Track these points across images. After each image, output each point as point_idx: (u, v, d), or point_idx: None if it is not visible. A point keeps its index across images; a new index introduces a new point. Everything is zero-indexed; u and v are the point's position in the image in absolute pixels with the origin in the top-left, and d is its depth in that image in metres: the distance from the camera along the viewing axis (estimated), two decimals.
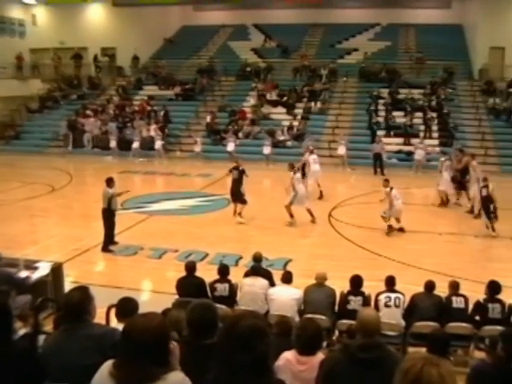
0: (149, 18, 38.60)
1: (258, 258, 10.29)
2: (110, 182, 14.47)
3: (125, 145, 30.08)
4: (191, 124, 32.56)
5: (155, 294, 11.63)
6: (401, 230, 16.39)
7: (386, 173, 25.42)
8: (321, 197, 20.25)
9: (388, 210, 16.00)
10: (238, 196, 17.38)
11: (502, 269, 13.01)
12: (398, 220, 16.37)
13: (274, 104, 32.84)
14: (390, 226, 16.10)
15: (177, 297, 9.02)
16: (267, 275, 9.77)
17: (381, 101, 31.54)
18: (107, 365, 3.16)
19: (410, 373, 2.40)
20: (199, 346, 4.04)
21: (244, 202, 17.24)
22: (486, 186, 16.18)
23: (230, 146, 28.65)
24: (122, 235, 15.11)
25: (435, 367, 2.38)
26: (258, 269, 9.76)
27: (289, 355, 5.25)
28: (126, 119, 32.27)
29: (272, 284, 9.58)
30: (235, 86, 36.01)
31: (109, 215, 14.30)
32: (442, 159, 20.15)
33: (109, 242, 14.37)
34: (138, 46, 38.22)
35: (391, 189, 16.04)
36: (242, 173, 17.57)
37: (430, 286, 9.03)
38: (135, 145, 29.64)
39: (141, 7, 38.18)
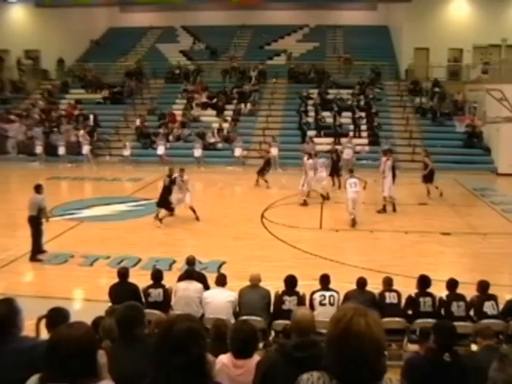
0: (74, 20, 37.70)
1: (191, 262, 10.20)
2: (38, 188, 14.10)
3: (51, 150, 29.32)
4: (120, 128, 32.05)
5: (88, 302, 11.37)
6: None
7: None
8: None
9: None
10: (163, 203, 17.18)
11: (431, 263, 13.37)
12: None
13: (204, 106, 32.70)
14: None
15: (110, 304, 8.84)
16: (201, 279, 9.69)
17: (310, 101, 31.90)
18: (33, 379, 3.06)
19: (341, 322, 2.56)
20: (132, 351, 4.00)
21: (169, 209, 17.07)
22: None
23: (161, 150, 28.40)
24: (51, 243, 14.72)
25: (363, 317, 2.55)
26: (191, 272, 9.66)
27: (224, 359, 5.19)
28: (53, 124, 31.47)
29: (206, 287, 9.51)
30: (164, 88, 35.71)
31: (37, 223, 13.92)
32: (384, 158, 19.87)
33: (37, 250, 13.96)
34: (64, 49, 37.29)
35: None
36: (172, 182, 17.33)
37: (361, 282, 9.16)
38: (61, 150, 28.99)
39: (65, 8, 37.20)
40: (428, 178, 20.99)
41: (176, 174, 17.59)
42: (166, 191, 17.21)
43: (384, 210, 18.82)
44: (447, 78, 34.62)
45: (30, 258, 13.87)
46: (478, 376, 3.26)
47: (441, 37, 33.46)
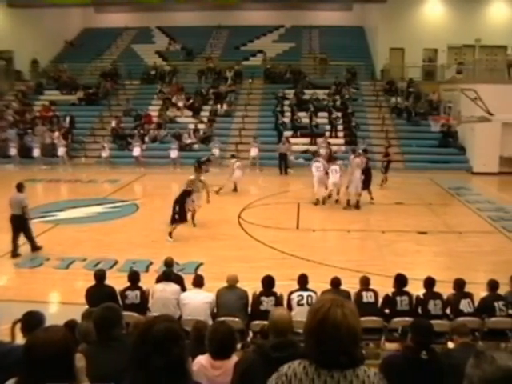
0: (48, 20, 37.36)
1: (169, 263, 10.19)
2: (20, 187, 14.14)
3: (26, 152, 29.02)
4: (96, 129, 31.80)
5: (64, 305, 11.25)
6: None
7: (295, 173, 25.84)
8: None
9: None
10: (181, 217, 15.93)
11: (408, 262, 13.45)
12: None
13: (177, 107, 32.56)
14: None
15: (87, 307, 8.77)
16: (178, 280, 9.66)
17: (286, 102, 31.94)
18: (10, 383, 3.03)
19: (319, 312, 2.70)
20: (110, 352, 3.99)
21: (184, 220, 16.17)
22: None
23: (137, 151, 28.22)
24: (27, 246, 14.53)
25: (340, 307, 2.69)
26: (169, 274, 9.62)
27: (203, 360, 5.19)
28: (27, 125, 31.15)
29: (183, 289, 9.48)
30: (140, 89, 35.49)
31: (22, 222, 13.91)
32: (352, 157, 20.29)
33: (14, 252, 13.99)
34: (38, 49, 36.85)
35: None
36: (187, 194, 16.30)
37: (335, 282, 9.19)
38: (36, 152, 28.72)
39: (39, 8, 36.72)
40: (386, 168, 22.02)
41: (192, 177, 16.96)
42: (182, 205, 16.08)
43: (348, 204, 19.36)
44: (422, 77, 34.98)
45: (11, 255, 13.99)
46: (455, 373, 3.27)
47: (416, 37, 33.76)
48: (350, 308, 2.73)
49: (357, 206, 19.27)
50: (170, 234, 15.59)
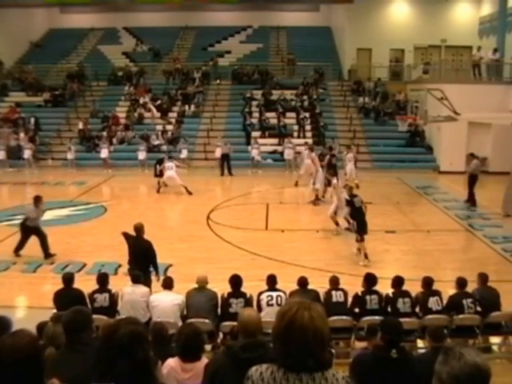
0: (12, 21, 36.74)
1: (138, 228, 10.29)
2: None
3: None
4: (62, 131, 31.45)
5: (32, 309, 11.08)
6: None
7: (263, 174, 25.90)
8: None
9: None
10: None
11: (377, 261, 13.59)
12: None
13: (148, 108, 32.39)
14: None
15: (55, 311, 8.66)
16: (148, 245, 10.02)
17: (254, 102, 31.95)
18: None
19: (286, 316, 2.73)
20: (79, 356, 3.96)
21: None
22: None
23: (104, 153, 28.01)
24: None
25: (307, 310, 2.72)
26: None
27: (172, 362, 5.16)
28: None
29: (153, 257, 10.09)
30: (107, 90, 35.20)
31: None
32: (307, 152, 21.42)
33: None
34: (2, 51, 36.16)
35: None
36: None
37: (302, 282, 9.23)
38: (1, 155, 28.33)
39: (2, 9, 36.00)
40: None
41: None
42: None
43: (317, 200, 19.81)
44: (389, 78, 35.22)
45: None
46: (425, 371, 3.30)
47: (383, 37, 34.06)
48: (317, 311, 2.75)
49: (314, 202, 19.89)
50: None
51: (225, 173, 26.29)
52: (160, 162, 22.83)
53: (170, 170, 21.82)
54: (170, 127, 30.63)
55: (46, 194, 22.37)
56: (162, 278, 10.08)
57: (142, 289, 9.11)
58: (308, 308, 2.72)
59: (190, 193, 21.51)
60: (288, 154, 26.85)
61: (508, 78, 27.28)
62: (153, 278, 10.61)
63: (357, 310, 9.04)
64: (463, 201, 20.29)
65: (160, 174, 22.35)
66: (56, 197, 21.60)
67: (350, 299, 9.15)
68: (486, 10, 34.25)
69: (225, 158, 26.38)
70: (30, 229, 14.19)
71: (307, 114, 30.66)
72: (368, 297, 8.95)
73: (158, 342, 5.76)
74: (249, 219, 17.79)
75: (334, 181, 17.43)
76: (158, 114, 31.85)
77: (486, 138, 26.01)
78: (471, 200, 19.99)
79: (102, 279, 9.27)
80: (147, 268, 10.51)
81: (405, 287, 9.13)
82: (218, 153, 26.93)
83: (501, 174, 21.78)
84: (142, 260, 10.59)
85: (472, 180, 20.00)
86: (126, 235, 11.03)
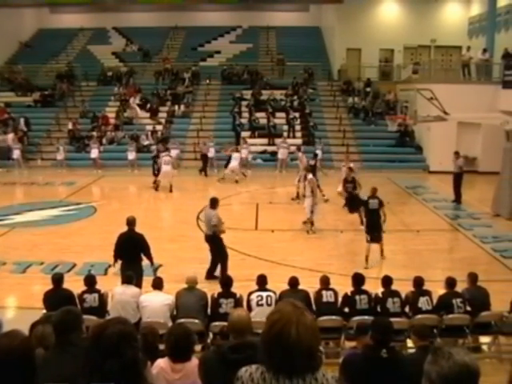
0: (1, 21, 36.30)
1: (130, 222, 10.36)
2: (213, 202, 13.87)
3: None
4: (52, 131, 31.32)
5: (21, 310, 11.02)
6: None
7: (253, 174, 25.87)
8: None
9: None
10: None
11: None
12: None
13: (128, 105, 32.25)
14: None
15: (45, 311, 8.62)
16: (141, 237, 10.21)
17: (244, 102, 31.94)
18: None
19: (274, 328, 2.67)
20: (68, 356, 3.95)
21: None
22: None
23: (94, 153, 27.92)
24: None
25: (295, 324, 2.64)
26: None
27: (162, 363, 5.14)
28: None
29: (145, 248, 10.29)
30: (96, 91, 35.09)
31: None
32: (300, 154, 21.51)
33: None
34: None
35: None
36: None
37: (292, 282, 9.23)
38: None
39: None
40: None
41: None
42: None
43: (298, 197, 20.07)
44: (379, 78, 35.33)
45: None
46: (415, 371, 3.30)
47: (372, 37, 34.14)
48: (305, 324, 2.67)
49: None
50: None
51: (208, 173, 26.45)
52: (155, 158, 23.06)
53: (167, 164, 21.96)
54: (159, 127, 30.57)
55: (35, 195, 22.57)
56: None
57: (132, 289, 9.09)
58: (296, 322, 2.64)
59: (171, 190, 22.16)
60: (282, 153, 26.86)
61: (497, 78, 27.36)
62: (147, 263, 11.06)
63: (347, 309, 9.05)
64: (451, 201, 20.38)
65: (158, 173, 22.51)
66: (45, 197, 21.59)
67: (340, 299, 9.15)
68: (475, 10, 34.43)
69: (204, 158, 26.58)
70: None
71: (297, 114, 30.68)
72: (358, 297, 8.96)
73: (146, 348, 5.75)
74: (238, 219, 17.75)
75: (310, 176, 17.24)
76: (141, 114, 31.81)
77: (476, 138, 26.15)
78: (457, 198, 20.12)
79: (90, 281, 9.24)
80: (139, 262, 10.73)
81: (394, 287, 9.14)
82: (212, 153, 26.92)
83: (490, 173, 21.90)
84: (134, 254, 10.67)
85: (458, 178, 20.12)
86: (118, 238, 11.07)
